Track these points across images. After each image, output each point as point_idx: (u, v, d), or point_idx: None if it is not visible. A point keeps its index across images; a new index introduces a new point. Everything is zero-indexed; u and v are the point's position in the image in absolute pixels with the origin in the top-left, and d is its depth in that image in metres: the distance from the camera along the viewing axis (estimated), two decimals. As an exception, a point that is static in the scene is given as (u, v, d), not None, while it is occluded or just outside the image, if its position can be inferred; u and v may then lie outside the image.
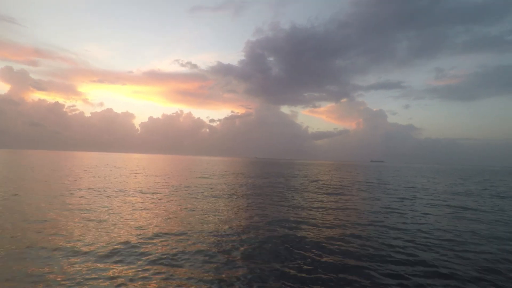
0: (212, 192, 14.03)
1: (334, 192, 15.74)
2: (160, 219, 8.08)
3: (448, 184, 24.19)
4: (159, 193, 12.94)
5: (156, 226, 7.33)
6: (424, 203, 12.42)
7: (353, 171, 46.05)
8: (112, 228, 7.22)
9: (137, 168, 33.31)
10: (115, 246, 5.92)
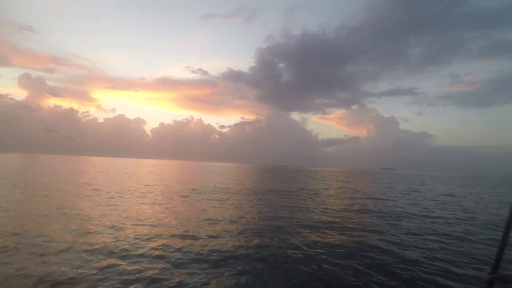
0: (224, 200, 13.61)
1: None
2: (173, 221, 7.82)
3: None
4: (170, 198, 12.66)
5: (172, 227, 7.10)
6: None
7: (372, 179, 44.87)
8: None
9: (157, 173, 33.38)
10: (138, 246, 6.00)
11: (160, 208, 10.54)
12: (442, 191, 24.56)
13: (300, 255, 6.00)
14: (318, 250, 6.36)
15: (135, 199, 12.49)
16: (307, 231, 8.06)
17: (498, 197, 20.49)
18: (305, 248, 6.46)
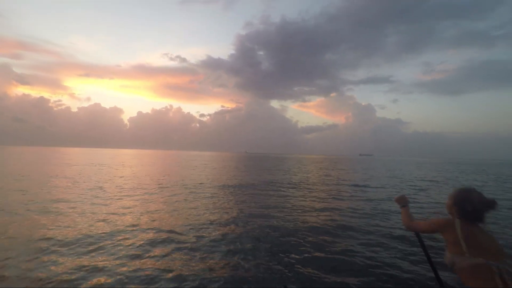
0: (200, 189, 12.47)
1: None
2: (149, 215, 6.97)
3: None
4: (148, 190, 11.36)
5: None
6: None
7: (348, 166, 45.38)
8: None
9: (132, 164, 31.47)
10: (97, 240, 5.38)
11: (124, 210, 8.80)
12: (421, 176, 24.75)
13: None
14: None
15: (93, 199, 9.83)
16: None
17: (473, 182, 20.86)
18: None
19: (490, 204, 1.66)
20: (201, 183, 15.18)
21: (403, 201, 2.22)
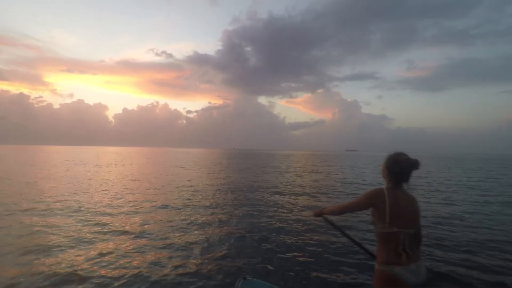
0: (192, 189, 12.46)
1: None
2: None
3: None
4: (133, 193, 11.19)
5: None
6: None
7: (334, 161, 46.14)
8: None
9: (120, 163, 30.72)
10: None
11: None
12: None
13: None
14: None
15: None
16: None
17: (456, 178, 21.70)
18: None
19: (414, 164, 1.86)
20: (189, 187, 15.12)
21: (318, 213, 2.29)
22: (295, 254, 4.90)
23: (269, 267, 4.36)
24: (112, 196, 9.79)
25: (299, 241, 5.58)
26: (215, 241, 5.50)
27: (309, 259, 4.69)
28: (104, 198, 9.48)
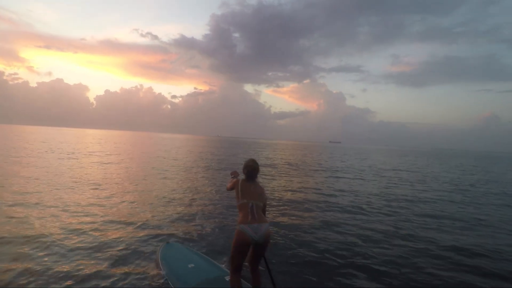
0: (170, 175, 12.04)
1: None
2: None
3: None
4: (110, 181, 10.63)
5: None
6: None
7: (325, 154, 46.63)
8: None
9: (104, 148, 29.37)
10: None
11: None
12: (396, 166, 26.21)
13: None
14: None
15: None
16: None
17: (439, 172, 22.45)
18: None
19: (255, 169, 2.96)
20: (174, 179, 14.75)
21: (235, 174, 3.27)
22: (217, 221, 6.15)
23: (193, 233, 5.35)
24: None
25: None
26: (141, 211, 6.64)
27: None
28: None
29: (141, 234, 5.11)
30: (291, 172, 16.94)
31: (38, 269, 3.76)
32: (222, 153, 32.13)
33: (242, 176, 3.04)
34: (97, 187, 9.23)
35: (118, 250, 4.38)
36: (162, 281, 3.46)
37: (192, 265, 3.60)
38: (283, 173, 16.06)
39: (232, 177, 3.18)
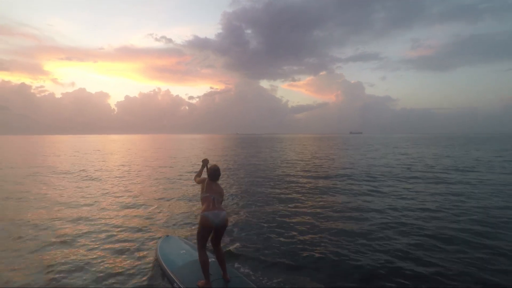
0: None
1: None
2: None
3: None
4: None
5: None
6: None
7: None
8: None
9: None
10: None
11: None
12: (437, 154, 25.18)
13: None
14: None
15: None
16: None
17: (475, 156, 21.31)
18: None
19: (216, 173, 3.63)
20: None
21: (206, 162, 3.99)
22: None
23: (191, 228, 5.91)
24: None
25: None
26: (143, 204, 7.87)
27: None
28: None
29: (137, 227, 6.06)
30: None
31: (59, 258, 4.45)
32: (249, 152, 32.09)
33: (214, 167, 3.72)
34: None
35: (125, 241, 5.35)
36: (155, 262, 4.34)
37: (184, 251, 4.34)
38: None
39: (202, 163, 4.01)
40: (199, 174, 3.89)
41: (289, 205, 7.57)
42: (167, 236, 5.04)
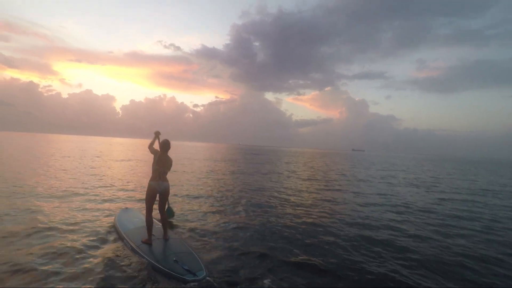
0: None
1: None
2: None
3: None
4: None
5: None
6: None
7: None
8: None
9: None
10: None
11: None
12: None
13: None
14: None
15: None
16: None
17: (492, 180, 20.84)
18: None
19: (167, 145, 4.46)
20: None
21: (158, 134, 4.72)
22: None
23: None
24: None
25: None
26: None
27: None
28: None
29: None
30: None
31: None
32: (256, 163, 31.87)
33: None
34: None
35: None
36: (113, 228, 5.37)
37: (137, 219, 5.43)
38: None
39: (155, 135, 4.70)
40: (151, 144, 4.60)
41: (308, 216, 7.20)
42: (126, 208, 6.28)
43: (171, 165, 4.49)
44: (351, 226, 6.70)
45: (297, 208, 8.35)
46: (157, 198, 4.49)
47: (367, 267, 4.41)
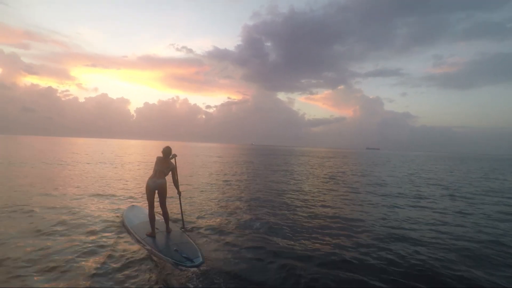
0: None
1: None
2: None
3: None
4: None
5: None
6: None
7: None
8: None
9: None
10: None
11: None
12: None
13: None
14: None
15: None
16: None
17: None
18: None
19: (168, 152, 5.16)
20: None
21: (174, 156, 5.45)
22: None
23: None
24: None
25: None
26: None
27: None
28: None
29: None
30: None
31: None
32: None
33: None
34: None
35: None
36: (121, 223, 6.07)
37: (143, 215, 5.93)
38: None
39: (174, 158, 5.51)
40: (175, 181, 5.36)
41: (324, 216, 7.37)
42: (133, 205, 6.99)
43: (169, 166, 5.09)
44: (384, 239, 6.77)
45: (321, 209, 8.42)
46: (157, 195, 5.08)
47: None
